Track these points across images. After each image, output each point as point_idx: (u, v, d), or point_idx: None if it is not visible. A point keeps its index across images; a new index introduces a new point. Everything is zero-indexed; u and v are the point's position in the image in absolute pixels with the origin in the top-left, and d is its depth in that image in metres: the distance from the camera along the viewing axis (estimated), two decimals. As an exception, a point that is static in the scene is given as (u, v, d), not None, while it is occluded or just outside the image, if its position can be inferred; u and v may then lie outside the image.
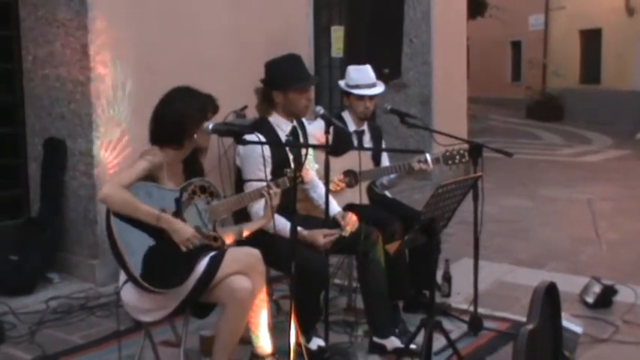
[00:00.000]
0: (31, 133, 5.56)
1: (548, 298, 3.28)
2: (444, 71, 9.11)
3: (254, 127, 3.95)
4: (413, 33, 9.01)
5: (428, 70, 9.04)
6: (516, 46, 26.15)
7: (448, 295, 5.08)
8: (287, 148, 4.00)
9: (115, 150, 5.25)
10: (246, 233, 3.61)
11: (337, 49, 7.59)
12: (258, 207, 3.77)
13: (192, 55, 5.77)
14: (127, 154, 5.23)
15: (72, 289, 5.13)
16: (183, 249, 3.20)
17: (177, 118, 3.30)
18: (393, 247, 3.47)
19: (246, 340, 3.57)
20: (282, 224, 3.76)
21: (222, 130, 3.43)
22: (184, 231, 3.20)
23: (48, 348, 4.17)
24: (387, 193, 5.18)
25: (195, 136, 3.33)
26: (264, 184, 3.53)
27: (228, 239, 3.48)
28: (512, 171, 11.23)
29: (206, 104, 3.40)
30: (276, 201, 3.53)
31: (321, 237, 3.84)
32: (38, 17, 5.36)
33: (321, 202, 4.06)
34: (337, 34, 7.60)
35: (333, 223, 4.03)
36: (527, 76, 24.98)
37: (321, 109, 3.91)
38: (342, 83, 4.77)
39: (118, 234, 3.08)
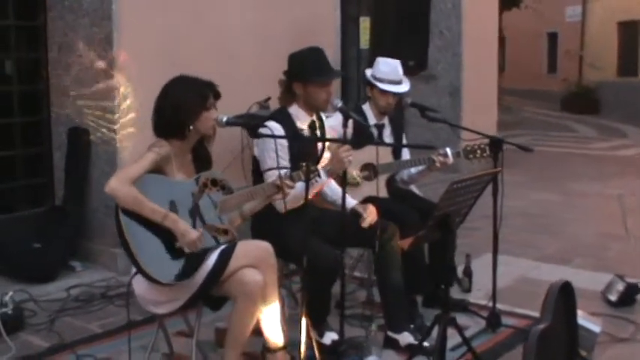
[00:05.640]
0: (56, 121, 5.63)
1: (563, 297, 3.22)
2: (474, 63, 9.02)
3: (273, 118, 3.97)
4: (443, 25, 8.94)
5: (458, 62, 8.97)
6: (553, 37, 25.83)
7: (469, 290, 5.03)
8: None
9: (137, 140, 5.28)
10: (249, 212, 3.59)
11: (365, 40, 7.55)
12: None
13: (216, 47, 5.78)
14: (149, 144, 5.24)
15: (93, 277, 5.19)
16: (187, 251, 3.20)
17: (173, 110, 3.27)
18: (406, 242, 3.44)
19: (260, 332, 3.56)
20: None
21: (237, 123, 3.42)
22: (189, 234, 3.18)
23: (66, 336, 4.22)
24: (413, 188, 5.14)
25: (192, 127, 3.29)
26: (283, 171, 3.50)
27: (235, 222, 3.48)
28: (544, 164, 11.10)
29: (204, 91, 3.34)
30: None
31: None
32: (64, 7, 5.41)
33: (335, 196, 4.05)
34: (365, 25, 7.56)
35: (351, 215, 4.02)
36: (564, 68, 24.67)
37: (339, 102, 3.88)
38: (368, 73, 4.73)
39: (127, 226, 3.09)
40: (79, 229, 5.40)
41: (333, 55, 6.79)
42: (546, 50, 26.45)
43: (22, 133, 5.62)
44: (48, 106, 5.65)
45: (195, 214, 3.32)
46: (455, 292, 4.95)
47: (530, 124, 18.32)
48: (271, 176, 3.73)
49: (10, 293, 4.38)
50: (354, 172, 4.51)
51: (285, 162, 3.78)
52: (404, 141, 4.87)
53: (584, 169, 11.07)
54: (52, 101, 5.63)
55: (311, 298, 3.65)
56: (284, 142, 3.81)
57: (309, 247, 3.35)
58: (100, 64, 5.22)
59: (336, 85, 6.86)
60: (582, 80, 23.03)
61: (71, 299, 4.82)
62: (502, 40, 23.49)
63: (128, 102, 5.23)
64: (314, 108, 4.05)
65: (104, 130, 5.28)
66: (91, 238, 5.47)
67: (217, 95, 3.39)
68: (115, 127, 5.22)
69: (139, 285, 3.28)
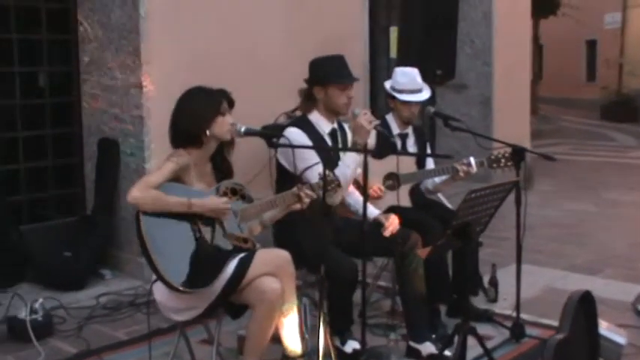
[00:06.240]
0: (87, 133, 5.73)
1: (583, 307, 3.18)
2: (505, 72, 8.96)
3: (293, 124, 4.03)
4: (473, 34, 8.92)
5: (488, 71, 8.92)
6: (591, 45, 25.54)
7: (495, 300, 5.00)
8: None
9: (166, 151, 5.33)
10: (269, 221, 3.64)
11: (395, 49, 7.54)
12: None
13: (244, 57, 5.83)
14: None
15: (122, 285, 5.26)
16: (225, 219, 3.31)
17: (188, 118, 3.36)
18: (424, 251, 3.46)
19: (279, 340, 3.58)
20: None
21: (254, 133, 3.47)
22: (217, 203, 3.28)
23: (93, 343, 4.30)
24: (440, 197, 5.13)
25: (208, 132, 3.36)
26: (319, 168, 3.54)
27: (255, 231, 3.54)
28: (580, 174, 10.99)
29: (216, 98, 3.42)
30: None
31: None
32: (94, 20, 5.52)
33: (358, 206, 4.06)
34: (395, 34, 7.55)
35: (374, 224, 4.04)
36: (603, 76, 24.39)
37: (359, 112, 3.91)
38: (387, 85, 4.74)
39: (147, 234, 3.15)
40: (108, 239, 5.49)
41: (362, 65, 6.82)
42: (585, 58, 26.17)
43: (55, 144, 5.75)
44: (79, 117, 5.76)
45: (214, 221, 3.36)
46: (481, 302, 4.93)
47: (568, 132, 18.14)
48: (310, 174, 3.76)
49: (40, 300, 4.48)
50: (376, 187, 4.51)
51: (316, 158, 3.84)
52: (428, 150, 4.87)
53: (621, 179, 10.91)
54: (84, 113, 5.74)
55: (332, 307, 3.69)
56: (307, 143, 3.87)
57: (328, 256, 3.38)
58: (129, 76, 5.31)
59: (364, 94, 6.89)
60: (622, 88, 22.73)
61: (99, 307, 4.90)
62: (539, 48, 23.39)
63: (157, 113, 5.30)
64: (334, 113, 4.10)
65: (133, 141, 5.36)
66: (120, 247, 5.55)
67: (231, 102, 3.47)
68: (144, 138, 5.29)
69: (160, 292, 3.34)
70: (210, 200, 3.30)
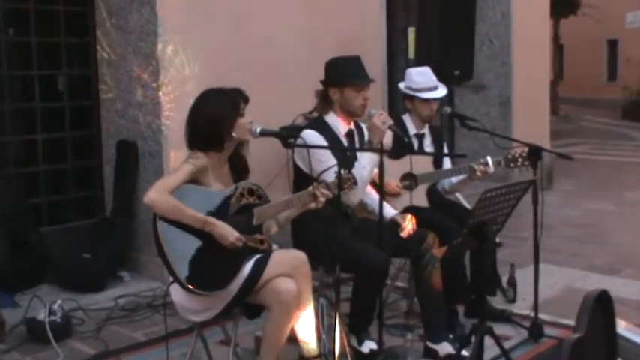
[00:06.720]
0: (106, 135, 5.78)
1: (599, 306, 3.16)
2: (524, 72, 8.94)
3: (309, 126, 4.03)
4: (492, 34, 8.91)
5: (507, 71, 8.91)
6: (612, 44, 25.35)
7: (513, 300, 4.98)
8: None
9: (184, 153, 5.35)
10: (285, 220, 3.64)
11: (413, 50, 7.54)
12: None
13: (262, 59, 5.84)
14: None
15: (140, 287, 5.29)
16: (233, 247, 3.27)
17: (211, 123, 3.33)
18: (440, 251, 3.46)
19: (295, 341, 3.58)
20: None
21: (269, 134, 3.47)
22: (228, 235, 3.23)
23: (111, 344, 4.32)
24: (459, 197, 5.11)
25: (234, 134, 3.37)
26: (334, 169, 3.52)
27: (272, 230, 3.54)
28: (599, 174, 10.90)
29: (235, 99, 3.41)
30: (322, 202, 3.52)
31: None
32: (112, 24, 5.57)
33: (375, 206, 4.06)
34: (413, 35, 7.56)
35: (391, 225, 4.04)
36: (624, 76, 24.21)
37: (375, 112, 3.91)
38: (402, 86, 4.74)
39: (164, 237, 3.17)
40: (127, 240, 5.51)
41: (380, 66, 6.82)
42: (606, 58, 25.99)
43: (74, 147, 5.80)
44: (98, 120, 5.81)
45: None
46: (499, 302, 4.91)
47: (589, 132, 18.02)
48: (327, 174, 3.75)
49: (59, 301, 4.50)
50: (393, 184, 4.51)
51: (332, 160, 3.82)
52: (444, 150, 4.86)
53: (640, 179, 10.84)
54: (102, 116, 5.78)
55: (354, 304, 3.69)
56: (324, 145, 3.88)
57: (357, 250, 3.38)
58: (147, 78, 5.34)
59: (382, 95, 6.88)
60: (643, 88, 22.55)
61: (118, 308, 4.93)
62: (560, 48, 23.26)
63: (174, 115, 5.33)
64: (350, 114, 4.09)
65: (152, 143, 5.39)
66: (139, 249, 5.58)
67: (246, 100, 3.47)
68: (162, 140, 5.32)
69: (177, 293, 3.35)
70: (222, 230, 3.23)
